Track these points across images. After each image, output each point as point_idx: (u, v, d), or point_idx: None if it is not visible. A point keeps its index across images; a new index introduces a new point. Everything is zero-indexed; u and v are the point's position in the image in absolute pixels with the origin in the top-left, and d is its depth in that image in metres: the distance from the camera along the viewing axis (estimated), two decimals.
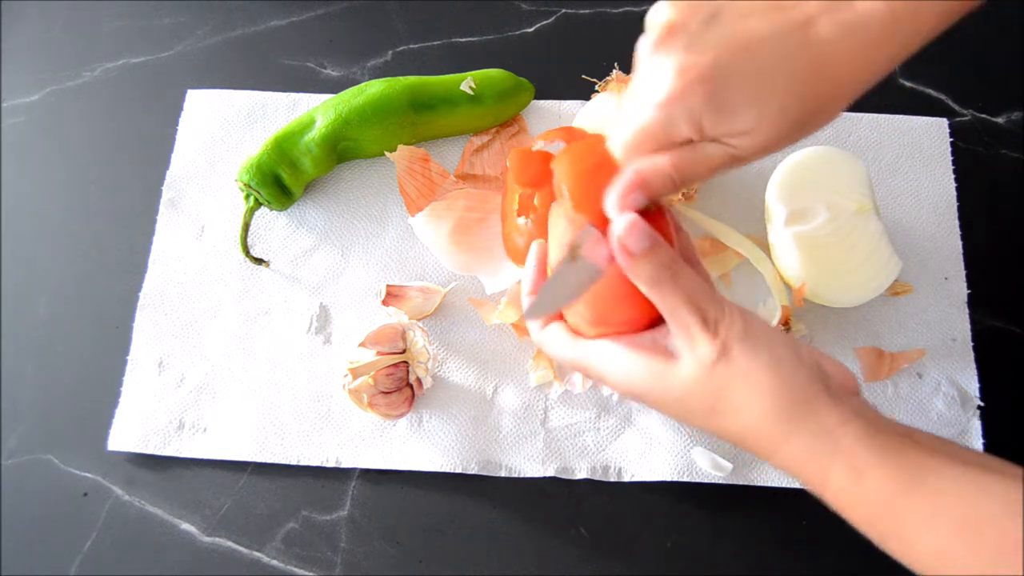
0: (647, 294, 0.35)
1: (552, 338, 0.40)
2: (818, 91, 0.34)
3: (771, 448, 0.35)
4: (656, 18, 0.35)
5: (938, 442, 0.34)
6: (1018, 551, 0.30)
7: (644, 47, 0.35)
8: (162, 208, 0.58)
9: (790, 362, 0.35)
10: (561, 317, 0.40)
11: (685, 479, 0.50)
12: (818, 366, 0.35)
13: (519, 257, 0.53)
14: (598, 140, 0.39)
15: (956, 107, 0.61)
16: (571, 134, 0.52)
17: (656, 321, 0.38)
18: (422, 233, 0.54)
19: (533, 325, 0.41)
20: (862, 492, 0.33)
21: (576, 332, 0.39)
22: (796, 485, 0.50)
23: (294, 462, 0.51)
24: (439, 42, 0.65)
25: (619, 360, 0.37)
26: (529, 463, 0.51)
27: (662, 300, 0.35)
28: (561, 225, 0.40)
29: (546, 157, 0.51)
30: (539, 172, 0.50)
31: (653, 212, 0.37)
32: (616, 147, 0.37)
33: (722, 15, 0.34)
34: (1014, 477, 0.32)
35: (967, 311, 0.55)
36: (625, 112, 0.36)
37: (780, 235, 0.51)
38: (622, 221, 0.34)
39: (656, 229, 0.35)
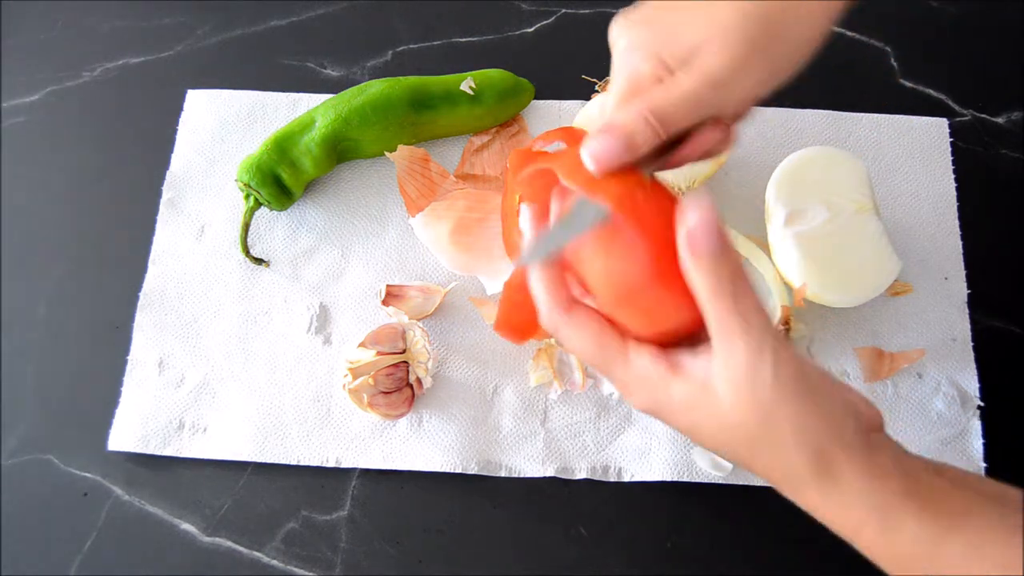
0: (699, 301, 0.31)
1: (579, 331, 0.35)
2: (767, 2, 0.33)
3: (804, 492, 0.33)
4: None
5: (969, 480, 0.33)
6: None
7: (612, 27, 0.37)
8: (162, 208, 0.58)
9: (841, 408, 0.32)
10: (585, 308, 0.35)
11: (685, 479, 0.50)
12: (855, 408, 0.33)
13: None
14: None
15: (956, 107, 0.61)
16: (571, 134, 0.52)
17: (693, 329, 0.33)
18: (422, 233, 0.54)
19: (552, 314, 0.35)
20: (897, 543, 0.32)
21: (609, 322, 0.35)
22: None
23: (294, 462, 0.51)
24: (439, 42, 0.65)
25: (652, 376, 0.34)
26: (529, 463, 0.51)
27: (716, 314, 0.31)
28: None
29: (546, 157, 0.51)
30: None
31: (665, 196, 0.34)
32: (606, 118, 0.35)
33: None
34: None
35: (967, 311, 0.55)
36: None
37: (780, 235, 0.51)
38: (695, 214, 0.30)
39: (668, 212, 0.32)
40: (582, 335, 0.35)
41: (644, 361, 0.34)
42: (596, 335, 0.34)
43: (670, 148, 0.35)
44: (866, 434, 0.33)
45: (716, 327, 0.31)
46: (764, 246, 0.54)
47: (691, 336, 0.34)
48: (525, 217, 0.38)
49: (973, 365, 0.53)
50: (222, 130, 0.61)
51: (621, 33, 0.36)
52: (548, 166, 0.37)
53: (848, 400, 0.33)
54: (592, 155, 0.33)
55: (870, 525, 0.32)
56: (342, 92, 0.57)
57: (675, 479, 0.50)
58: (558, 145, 0.52)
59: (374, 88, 0.56)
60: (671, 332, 0.34)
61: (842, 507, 0.32)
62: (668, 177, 0.54)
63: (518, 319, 0.44)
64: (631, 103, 0.33)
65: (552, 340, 0.52)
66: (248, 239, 0.56)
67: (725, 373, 0.32)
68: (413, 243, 0.57)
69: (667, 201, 0.33)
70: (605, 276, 0.34)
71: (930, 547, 0.31)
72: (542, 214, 0.38)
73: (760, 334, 0.31)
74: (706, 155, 0.36)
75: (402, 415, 0.51)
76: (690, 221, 0.30)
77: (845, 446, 0.32)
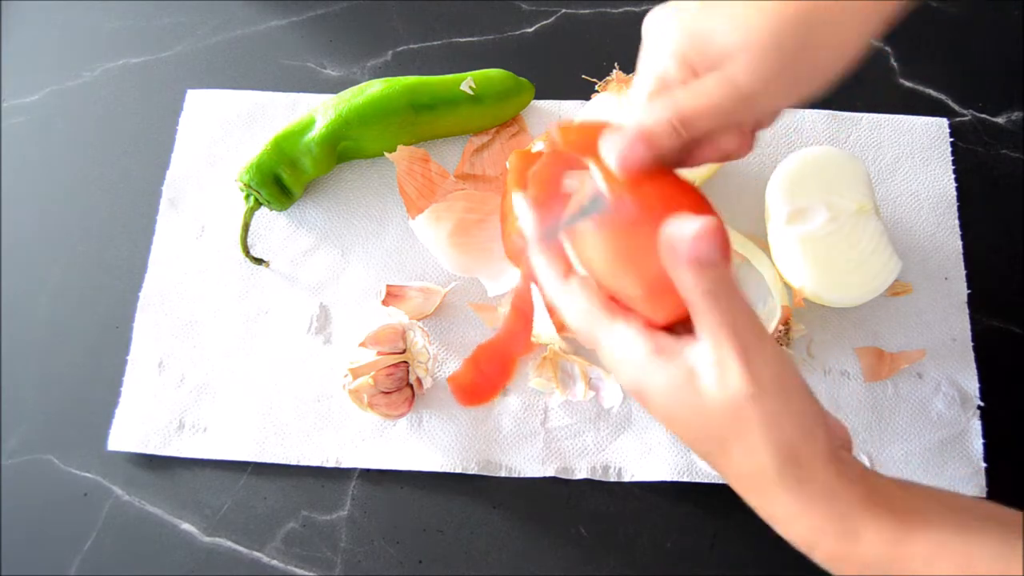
0: (695, 304, 0.32)
1: (573, 299, 0.36)
2: (803, 11, 0.32)
3: (768, 491, 0.33)
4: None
5: (933, 493, 0.33)
6: None
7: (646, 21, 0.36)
8: (162, 208, 0.58)
9: (812, 416, 0.33)
10: (582, 278, 0.36)
11: (685, 479, 0.50)
12: (825, 421, 0.34)
13: (519, 258, 0.53)
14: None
15: (956, 107, 0.61)
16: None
17: (680, 317, 0.34)
18: (422, 235, 0.54)
19: (551, 276, 0.36)
20: (855, 549, 0.32)
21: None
22: None
23: (294, 462, 0.51)
24: (439, 42, 0.65)
25: (637, 352, 0.34)
26: (529, 463, 0.51)
27: (709, 316, 0.32)
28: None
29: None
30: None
31: (683, 186, 0.35)
32: (629, 114, 0.36)
33: None
34: (1012, 525, 0.31)
35: (967, 311, 0.55)
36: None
37: (780, 235, 0.51)
38: (703, 223, 0.30)
39: (691, 205, 0.33)
40: (575, 302, 0.36)
41: (631, 333, 0.34)
42: (588, 301, 0.35)
43: (688, 147, 0.36)
44: (834, 446, 0.33)
45: (708, 324, 0.32)
46: (764, 246, 0.54)
47: (684, 323, 0.34)
48: (521, 205, 0.38)
49: (973, 365, 0.53)
50: (222, 130, 0.61)
51: (654, 28, 0.36)
52: (561, 145, 0.37)
53: (820, 411, 0.34)
54: (617, 156, 0.33)
55: (829, 533, 0.32)
56: (342, 92, 0.57)
57: (675, 479, 0.50)
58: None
59: (374, 88, 0.56)
60: (664, 318, 0.34)
61: (803, 511, 0.33)
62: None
63: (478, 384, 0.49)
64: (655, 103, 0.34)
65: (557, 347, 0.52)
66: (248, 239, 0.56)
67: (708, 363, 0.32)
68: (413, 243, 0.57)
69: (672, 187, 0.35)
70: (605, 254, 0.35)
71: (889, 549, 0.31)
72: (540, 202, 0.38)
73: (747, 334, 0.32)
74: (724, 158, 0.37)
75: (402, 415, 0.51)
76: (692, 230, 0.30)
77: (814, 450, 0.33)
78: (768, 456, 0.32)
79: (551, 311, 0.51)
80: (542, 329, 0.51)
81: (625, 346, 0.34)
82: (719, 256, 0.31)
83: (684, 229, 0.30)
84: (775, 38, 0.33)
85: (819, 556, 0.34)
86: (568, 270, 0.36)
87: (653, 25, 0.36)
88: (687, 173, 0.55)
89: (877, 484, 0.33)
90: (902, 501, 0.33)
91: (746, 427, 0.32)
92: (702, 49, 0.34)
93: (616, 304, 0.35)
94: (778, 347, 0.33)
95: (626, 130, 0.34)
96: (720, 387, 0.32)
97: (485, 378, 0.51)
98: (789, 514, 0.33)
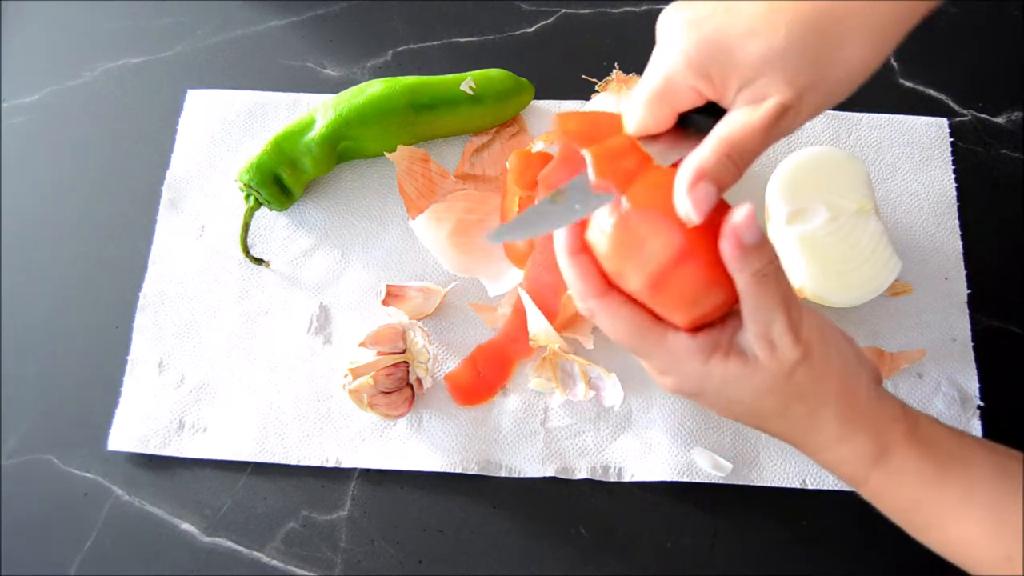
0: (745, 288, 0.33)
1: (615, 317, 0.36)
2: (826, 17, 0.32)
3: (824, 446, 0.36)
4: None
5: (963, 435, 0.37)
6: None
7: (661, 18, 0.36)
8: (162, 208, 0.58)
9: (855, 363, 0.36)
10: (614, 286, 0.36)
11: (685, 479, 0.50)
12: (868, 361, 0.37)
13: (519, 259, 0.53)
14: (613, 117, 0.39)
15: (956, 107, 0.61)
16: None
17: (716, 314, 0.36)
18: (423, 236, 0.54)
19: (588, 301, 0.36)
20: (900, 485, 0.35)
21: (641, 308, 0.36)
22: (796, 485, 0.50)
23: (294, 462, 0.51)
24: (439, 42, 0.65)
25: (693, 357, 0.35)
26: (529, 463, 0.51)
27: (760, 297, 0.33)
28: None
29: (546, 159, 0.51)
30: (539, 174, 0.50)
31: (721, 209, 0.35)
32: (628, 111, 0.36)
33: None
34: None
35: (967, 311, 0.55)
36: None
37: (780, 235, 0.51)
38: (742, 211, 0.32)
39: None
40: (618, 319, 0.36)
41: (683, 342, 0.36)
42: (632, 319, 0.36)
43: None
44: (877, 384, 0.37)
45: (757, 306, 0.34)
46: None
47: (720, 318, 0.36)
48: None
49: (973, 365, 0.53)
50: (222, 130, 0.61)
51: (667, 28, 0.35)
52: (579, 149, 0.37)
53: (860, 352, 0.37)
54: (696, 207, 0.33)
55: (879, 467, 0.35)
56: (342, 92, 0.57)
57: (675, 479, 0.50)
58: (558, 145, 0.52)
59: (374, 88, 0.56)
60: (704, 314, 0.35)
61: (853, 452, 0.36)
62: None
63: (475, 384, 0.52)
64: (706, 143, 0.34)
65: (558, 345, 0.52)
66: (248, 239, 0.56)
67: (761, 344, 0.34)
68: (413, 243, 0.57)
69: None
70: (637, 263, 0.35)
71: (929, 490, 0.35)
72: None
73: (793, 304, 0.35)
74: None
75: (402, 415, 0.51)
76: (736, 219, 0.32)
77: (862, 391, 0.36)
78: (825, 414, 0.35)
79: (546, 313, 0.51)
80: (539, 330, 0.51)
81: (678, 354, 0.36)
82: (761, 238, 0.33)
83: (731, 219, 0.32)
84: (795, 48, 0.32)
85: (867, 492, 0.37)
86: (605, 286, 0.36)
87: (666, 25, 0.35)
88: None
89: (915, 418, 0.36)
90: (939, 438, 0.36)
91: (803, 393, 0.35)
92: (720, 58, 0.33)
93: (652, 313, 0.36)
94: (812, 310, 0.36)
95: (687, 173, 0.33)
96: (772, 361, 0.34)
97: (482, 379, 0.52)
98: (842, 456, 0.36)
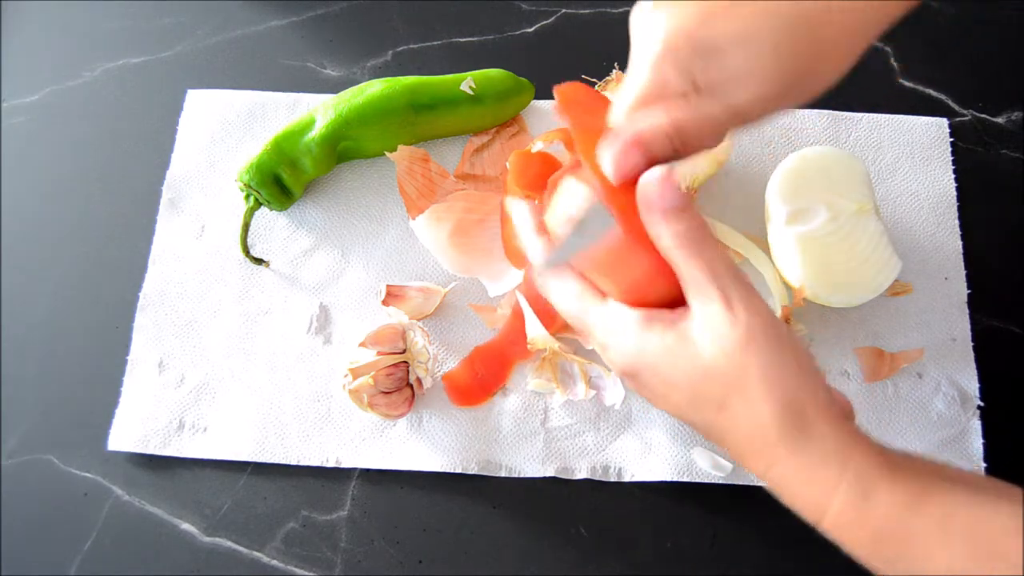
0: (667, 257, 0.33)
1: (563, 286, 0.37)
2: (814, 32, 0.32)
3: (772, 459, 0.33)
4: None
5: (939, 464, 0.33)
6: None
7: (637, 13, 0.35)
8: (162, 208, 0.58)
9: (811, 370, 0.33)
10: (571, 267, 0.38)
11: (685, 479, 0.50)
12: (824, 380, 0.34)
13: (519, 260, 0.53)
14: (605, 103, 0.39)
15: (956, 107, 0.61)
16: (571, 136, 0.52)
17: (676, 302, 0.35)
18: (423, 236, 0.54)
19: (543, 269, 0.38)
20: (869, 511, 0.31)
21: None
22: None
23: (294, 462, 0.51)
24: (439, 42, 0.65)
25: (630, 326, 0.34)
26: (529, 463, 0.51)
27: (684, 266, 0.32)
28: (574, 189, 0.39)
29: (546, 159, 0.51)
30: (539, 174, 0.50)
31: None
32: (615, 113, 0.36)
33: None
34: (1016, 497, 0.31)
35: (967, 311, 0.55)
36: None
37: (780, 235, 0.51)
38: (655, 172, 0.32)
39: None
40: (565, 286, 0.37)
41: (621, 309, 0.35)
42: (577, 286, 0.37)
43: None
44: (838, 408, 0.33)
45: (686, 279, 0.33)
46: (764, 246, 0.54)
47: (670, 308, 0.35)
48: (522, 214, 0.39)
49: (973, 365, 0.53)
50: (222, 130, 0.61)
51: (644, 28, 0.34)
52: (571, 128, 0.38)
53: (817, 368, 0.33)
54: (614, 165, 0.34)
55: (841, 492, 0.31)
56: (342, 92, 0.57)
57: (675, 479, 0.50)
58: (558, 146, 0.52)
59: (374, 88, 0.56)
60: (651, 302, 0.35)
61: (813, 472, 0.32)
62: None
63: (472, 385, 0.52)
64: (653, 112, 0.33)
65: (556, 347, 0.52)
66: (248, 239, 0.56)
67: (700, 323, 0.33)
68: (413, 243, 0.57)
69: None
70: (593, 251, 0.36)
71: (901, 521, 0.31)
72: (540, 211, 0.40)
73: (729, 284, 0.32)
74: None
75: (402, 415, 0.51)
76: (647, 179, 0.32)
77: (817, 405, 0.32)
78: (769, 408, 0.32)
79: (543, 317, 0.51)
80: (536, 334, 0.51)
81: (617, 322, 0.35)
82: (678, 203, 0.32)
83: (646, 180, 0.32)
84: (776, 65, 0.32)
85: (828, 523, 0.32)
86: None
87: (642, 24, 0.34)
88: (688, 172, 0.55)
89: (887, 450, 0.33)
90: (912, 470, 0.32)
91: (743, 378, 0.32)
92: (704, 63, 0.33)
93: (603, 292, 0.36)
94: (763, 300, 0.33)
95: (622, 136, 0.33)
96: (713, 340, 0.32)
97: (479, 380, 0.52)
98: (798, 477, 0.32)
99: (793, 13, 0.32)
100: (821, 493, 0.32)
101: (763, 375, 0.32)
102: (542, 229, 0.41)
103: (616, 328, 0.35)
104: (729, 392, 0.33)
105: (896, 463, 0.32)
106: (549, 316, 0.52)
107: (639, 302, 0.35)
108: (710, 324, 0.32)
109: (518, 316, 0.53)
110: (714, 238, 0.33)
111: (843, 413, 0.33)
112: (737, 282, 0.33)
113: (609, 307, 0.36)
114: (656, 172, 0.32)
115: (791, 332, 0.34)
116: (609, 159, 0.34)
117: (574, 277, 0.37)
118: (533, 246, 0.40)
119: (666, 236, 0.32)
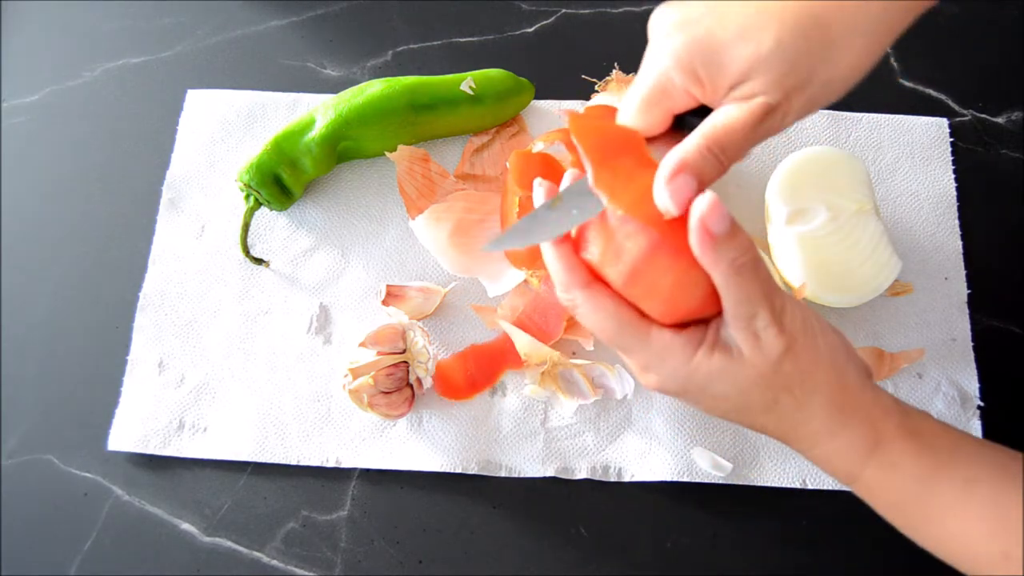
0: (722, 281, 0.33)
1: (598, 309, 0.35)
2: (822, 30, 0.33)
3: (815, 441, 0.35)
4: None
5: (961, 433, 0.36)
6: None
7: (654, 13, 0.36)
8: (162, 208, 0.58)
9: (843, 353, 0.35)
10: (599, 278, 0.36)
11: (685, 479, 0.50)
12: (855, 354, 0.36)
13: (518, 260, 0.53)
14: (610, 111, 0.39)
15: (956, 107, 0.61)
16: (571, 135, 0.52)
17: (699, 314, 0.35)
18: (423, 236, 0.54)
19: (571, 291, 0.36)
20: (895, 479, 0.34)
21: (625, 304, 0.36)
22: (796, 485, 0.50)
23: (294, 462, 0.51)
24: (439, 42, 0.65)
25: (676, 353, 0.35)
26: (529, 463, 0.51)
27: (739, 288, 0.33)
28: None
29: (546, 159, 0.51)
30: (539, 174, 0.50)
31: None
32: (622, 113, 0.37)
33: None
34: None
35: (967, 311, 0.55)
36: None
37: (780, 235, 0.51)
38: (705, 199, 0.32)
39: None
40: (601, 312, 0.35)
41: (666, 338, 0.35)
42: (615, 312, 0.35)
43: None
44: (867, 377, 0.36)
45: (737, 297, 0.33)
46: (764, 246, 0.54)
47: (705, 318, 0.36)
48: (539, 195, 0.38)
49: (973, 365, 0.53)
50: (222, 130, 0.61)
51: (661, 30, 0.35)
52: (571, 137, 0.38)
53: (849, 344, 0.36)
54: (674, 198, 0.33)
55: (872, 463, 0.34)
56: (342, 92, 0.57)
57: (675, 479, 0.50)
58: (558, 147, 0.52)
59: (374, 88, 0.56)
60: (686, 313, 0.35)
61: (848, 447, 0.35)
62: None
63: (459, 381, 0.52)
64: (690, 138, 0.34)
65: (556, 357, 0.52)
66: (248, 239, 0.56)
67: (745, 337, 0.34)
68: (413, 243, 0.57)
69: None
70: (621, 260, 0.35)
71: (926, 484, 0.34)
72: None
73: (775, 297, 0.34)
74: None
75: (402, 415, 0.51)
76: (700, 208, 0.32)
77: (853, 382, 0.35)
78: (814, 406, 0.35)
79: (539, 334, 0.51)
80: (530, 350, 0.51)
81: (666, 353, 0.35)
82: (731, 227, 0.32)
83: (699, 209, 0.32)
84: (784, 54, 0.33)
85: (859, 487, 0.36)
86: (589, 277, 0.36)
87: (658, 26, 0.35)
88: None
89: (908, 412, 0.36)
90: (933, 432, 0.35)
91: (790, 384, 0.34)
92: (711, 60, 0.33)
93: (636, 309, 0.36)
94: (796, 301, 0.35)
95: (668, 165, 0.33)
96: (757, 353, 0.34)
97: (469, 376, 0.52)
98: (836, 454, 0.35)
99: (800, 11, 0.33)
100: (854, 464, 0.35)
101: (804, 373, 0.34)
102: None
103: (659, 356, 0.35)
104: (778, 394, 0.35)
105: (922, 432, 0.35)
106: (544, 334, 0.52)
107: (673, 312, 0.35)
108: (751, 337, 0.34)
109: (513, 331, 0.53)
110: (760, 256, 0.34)
111: (868, 374, 0.36)
112: (777, 292, 0.34)
113: (651, 334, 0.35)
114: (705, 200, 0.32)
115: (822, 320, 0.36)
116: (670, 194, 0.33)
117: (610, 298, 0.35)
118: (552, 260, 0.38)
119: (723, 262, 0.32)
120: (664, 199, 0.33)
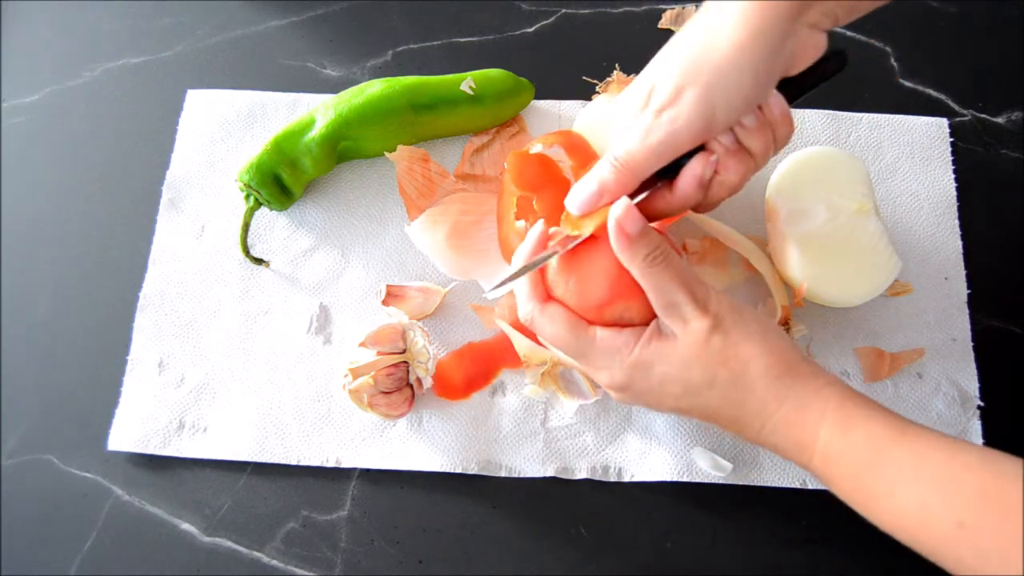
0: (639, 273, 0.38)
1: (553, 320, 0.41)
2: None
3: (765, 416, 0.37)
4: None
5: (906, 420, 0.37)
6: (990, 503, 0.32)
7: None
8: (162, 208, 0.58)
9: (775, 331, 0.39)
10: (554, 299, 0.43)
11: (685, 479, 0.50)
12: (793, 341, 0.40)
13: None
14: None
15: (956, 107, 0.61)
16: (569, 138, 0.52)
17: (638, 322, 0.41)
18: (419, 241, 0.54)
19: (529, 305, 0.42)
20: (849, 445, 0.35)
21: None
22: (796, 485, 0.50)
23: (294, 462, 0.51)
24: (439, 42, 0.65)
25: (619, 345, 0.40)
26: (529, 463, 0.51)
27: (655, 280, 0.38)
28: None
29: (543, 160, 0.51)
30: (537, 175, 0.51)
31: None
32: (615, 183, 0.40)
33: None
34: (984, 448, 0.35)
35: (967, 311, 0.55)
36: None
37: (780, 235, 0.51)
38: (620, 205, 0.37)
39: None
40: (555, 323, 0.41)
41: (607, 334, 0.40)
42: (566, 321, 0.41)
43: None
44: (806, 357, 0.39)
45: (656, 288, 0.38)
46: (764, 246, 0.54)
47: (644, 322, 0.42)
48: (531, 237, 0.43)
49: (973, 365, 0.53)
50: (222, 130, 0.61)
51: (669, 47, 0.41)
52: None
53: (783, 332, 0.40)
54: (575, 203, 0.40)
55: (825, 427, 0.36)
56: (342, 92, 0.57)
57: (675, 479, 0.50)
58: (557, 149, 0.52)
59: (374, 88, 0.56)
60: (626, 321, 0.41)
61: (797, 411, 0.37)
62: None
63: (455, 380, 0.53)
64: (609, 152, 0.40)
65: (555, 358, 0.52)
66: (248, 239, 0.56)
67: (675, 322, 0.39)
68: (413, 243, 0.57)
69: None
70: (573, 284, 0.42)
71: (877, 454, 0.35)
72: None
73: (693, 285, 0.39)
74: (704, 186, 0.41)
75: (402, 415, 0.51)
76: (614, 212, 0.38)
77: (791, 353, 0.38)
78: (752, 375, 0.37)
79: (533, 335, 0.52)
80: (528, 350, 0.51)
81: (604, 344, 0.40)
82: (642, 227, 0.38)
83: (614, 214, 0.38)
84: (765, 86, 0.39)
85: (817, 461, 0.37)
86: (546, 296, 0.42)
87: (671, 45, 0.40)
88: None
89: (854, 391, 0.38)
90: (879, 407, 0.37)
91: (724, 357, 0.38)
92: (658, 85, 0.39)
93: (582, 317, 0.41)
94: (724, 294, 0.40)
95: (584, 180, 0.40)
96: (690, 332, 0.38)
97: (465, 376, 0.52)
98: (787, 423, 0.37)
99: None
100: (808, 431, 0.36)
101: (736, 346, 0.38)
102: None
103: (608, 351, 0.40)
104: (714, 370, 0.38)
105: (868, 402, 0.37)
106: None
107: (610, 300, 0.41)
108: (684, 320, 0.38)
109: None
110: (672, 250, 0.39)
111: (808, 359, 0.39)
112: (697, 282, 0.39)
113: (596, 334, 0.40)
114: (620, 205, 0.38)
115: (752, 309, 0.40)
116: (571, 200, 0.41)
117: (561, 308, 0.41)
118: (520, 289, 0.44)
119: (638, 257, 0.38)
120: (570, 206, 0.41)
